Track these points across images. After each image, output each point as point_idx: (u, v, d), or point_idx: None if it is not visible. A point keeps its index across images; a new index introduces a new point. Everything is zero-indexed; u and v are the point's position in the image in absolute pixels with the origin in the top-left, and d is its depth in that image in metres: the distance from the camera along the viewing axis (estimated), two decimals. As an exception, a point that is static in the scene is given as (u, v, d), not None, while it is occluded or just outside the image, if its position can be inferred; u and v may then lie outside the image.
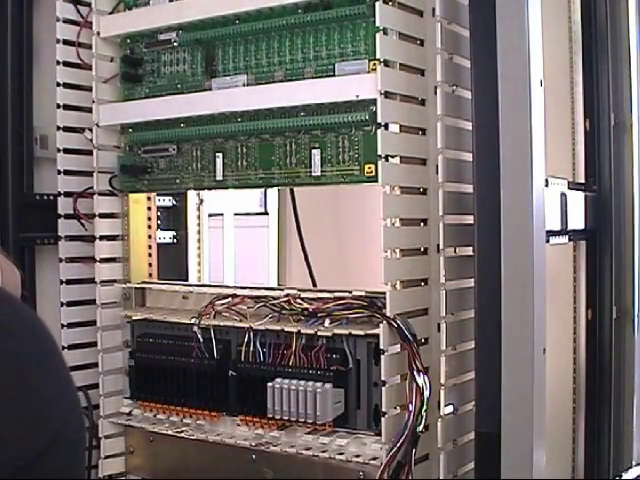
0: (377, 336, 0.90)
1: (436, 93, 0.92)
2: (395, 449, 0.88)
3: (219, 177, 1.04)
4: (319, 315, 0.96)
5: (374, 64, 0.90)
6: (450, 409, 0.94)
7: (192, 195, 1.63)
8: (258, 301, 1.01)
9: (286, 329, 0.97)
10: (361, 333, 0.92)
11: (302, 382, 0.95)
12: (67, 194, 1.16)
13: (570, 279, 1.08)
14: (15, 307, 0.54)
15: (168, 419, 1.07)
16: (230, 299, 1.03)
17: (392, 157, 0.91)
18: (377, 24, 0.89)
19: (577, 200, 1.01)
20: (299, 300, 0.98)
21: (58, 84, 1.15)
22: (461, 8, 0.93)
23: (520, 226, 0.81)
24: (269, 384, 0.96)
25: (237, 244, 2.06)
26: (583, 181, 1.07)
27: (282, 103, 0.96)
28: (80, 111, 1.16)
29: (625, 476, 1.02)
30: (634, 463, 1.03)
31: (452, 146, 0.93)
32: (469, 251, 0.91)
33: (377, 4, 0.89)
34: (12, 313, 0.53)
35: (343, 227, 1.65)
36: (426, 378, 0.88)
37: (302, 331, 0.96)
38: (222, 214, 2.04)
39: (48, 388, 0.52)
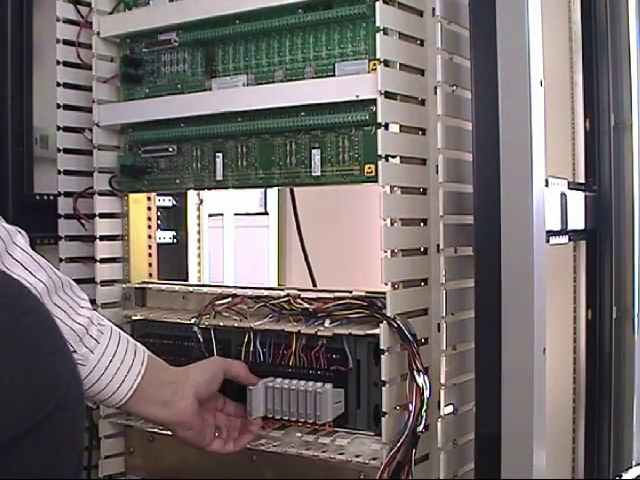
0: (377, 336, 0.90)
1: (436, 93, 0.92)
2: (395, 449, 0.88)
3: (219, 177, 1.04)
4: (319, 315, 0.96)
5: (374, 64, 0.90)
6: (450, 409, 0.94)
7: (192, 195, 1.63)
8: (258, 301, 1.01)
9: (286, 329, 0.97)
10: (361, 333, 0.92)
11: (302, 382, 0.95)
12: (67, 194, 1.16)
13: (570, 279, 1.08)
14: (21, 288, 0.60)
15: (168, 419, 1.07)
16: (230, 299, 1.03)
17: (392, 157, 0.91)
18: (377, 24, 0.89)
19: (577, 200, 1.01)
20: (299, 300, 0.98)
21: (58, 84, 1.15)
22: (461, 8, 0.93)
23: (520, 226, 0.81)
24: (269, 384, 0.96)
25: (237, 244, 2.06)
26: (583, 181, 1.07)
27: (282, 103, 0.96)
28: (80, 111, 1.16)
29: (625, 476, 1.02)
30: (634, 463, 1.03)
31: (452, 146, 0.93)
32: (469, 251, 0.91)
33: (377, 4, 0.89)
34: (19, 294, 0.59)
35: (343, 227, 1.65)
36: (426, 378, 0.88)
37: (302, 331, 0.96)
38: (222, 214, 2.04)
39: (54, 358, 0.57)
